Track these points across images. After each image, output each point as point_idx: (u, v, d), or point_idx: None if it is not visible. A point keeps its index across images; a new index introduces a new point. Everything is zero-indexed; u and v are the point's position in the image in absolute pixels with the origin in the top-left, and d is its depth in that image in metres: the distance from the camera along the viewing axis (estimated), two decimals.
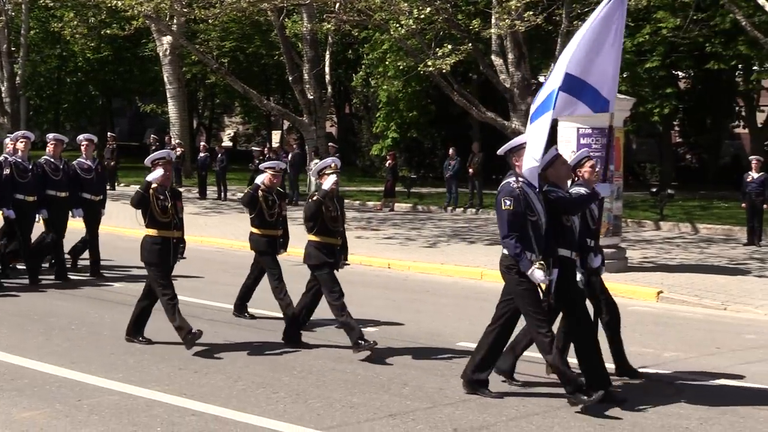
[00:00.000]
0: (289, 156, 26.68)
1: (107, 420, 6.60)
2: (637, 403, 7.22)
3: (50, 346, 8.73)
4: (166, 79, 25.58)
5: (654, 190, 24.17)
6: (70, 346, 8.79)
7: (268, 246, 9.90)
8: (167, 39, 24.51)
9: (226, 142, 50.50)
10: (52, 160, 12.71)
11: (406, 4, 18.74)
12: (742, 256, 16.48)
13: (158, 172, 8.73)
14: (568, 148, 14.01)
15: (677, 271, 14.41)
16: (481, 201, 24.31)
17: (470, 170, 24.18)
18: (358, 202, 26.20)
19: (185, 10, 21.38)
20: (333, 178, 8.85)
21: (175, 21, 23.88)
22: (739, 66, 28.45)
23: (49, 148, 12.86)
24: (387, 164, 26.02)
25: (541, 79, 27.79)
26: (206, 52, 29.43)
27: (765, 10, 17.90)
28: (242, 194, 9.88)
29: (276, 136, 45.53)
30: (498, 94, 23.87)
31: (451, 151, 25.09)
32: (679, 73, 31.62)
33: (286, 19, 24.54)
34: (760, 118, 32.96)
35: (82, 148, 13.28)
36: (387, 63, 29.90)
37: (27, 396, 7.15)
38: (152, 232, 8.74)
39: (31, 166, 12.41)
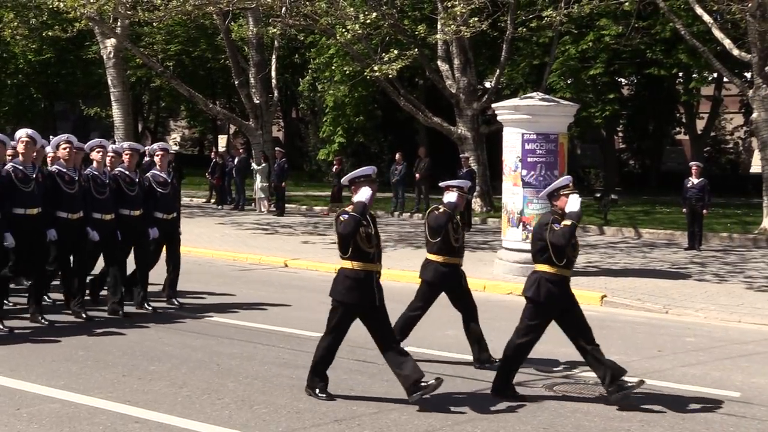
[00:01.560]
0: (236, 160, 26.57)
1: (48, 428, 6.48)
2: (580, 406, 7.31)
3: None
4: (110, 82, 25.25)
5: (598, 195, 24.47)
6: (8, 353, 8.62)
7: (445, 277, 8.72)
8: (111, 41, 24.19)
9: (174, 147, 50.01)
10: (127, 172, 10.92)
11: (352, 9, 18.78)
12: (684, 261, 16.78)
13: (366, 192, 7.33)
14: (513, 154, 14.14)
15: (621, 276, 14.61)
16: (428, 206, 24.38)
17: (417, 175, 24.26)
18: (305, 207, 26.14)
19: (129, 12, 21.13)
20: (575, 197, 7.59)
21: (119, 23, 23.58)
22: (680, 74, 29.01)
23: (125, 158, 11.04)
24: (334, 169, 25.99)
25: (487, 84, 28.06)
26: (151, 55, 29.12)
27: (703, 20, 18.28)
28: (433, 215, 8.65)
29: (222, 141, 45.21)
30: (444, 100, 24.05)
31: (397, 156, 25.14)
32: (622, 80, 32.15)
33: (232, 23, 24.39)
34: (700, 125, 33.68)
35: (157, 158, 11.41)
36: (333, 68, 29.92)
37: None
38: (353, 264, 7.38)
39: (108, 180, 10.61)
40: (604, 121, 30.19)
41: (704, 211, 18.36)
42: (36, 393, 7.34)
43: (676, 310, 11.99)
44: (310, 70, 32.92)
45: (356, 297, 7.36)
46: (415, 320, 8.71)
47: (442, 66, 21.54)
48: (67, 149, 10.34)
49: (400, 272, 14.54)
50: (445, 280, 8.68)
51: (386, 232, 20.62)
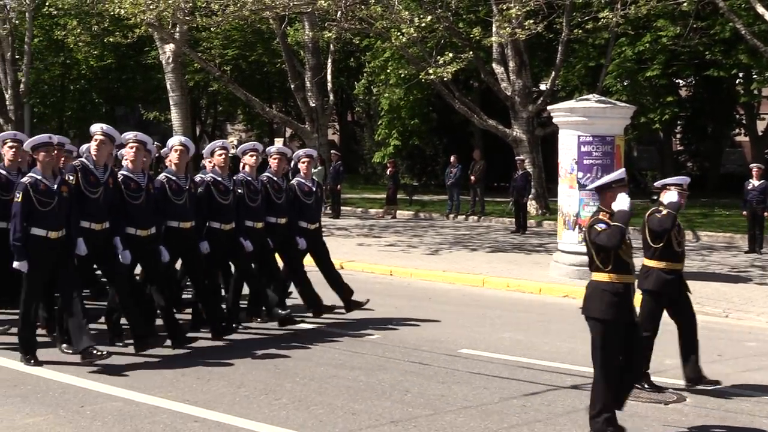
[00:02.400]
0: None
1: (110, 426, 6.64)
2: (638, 410, 7.26)
3: (55, 351, 8.75)
4: (169, 87, 25.64)
5: (655, 197, 24.15)
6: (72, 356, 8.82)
7: (668, 285, 7.97)
8: (170, 47, 24.59)
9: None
10: (275, 178, 10.27)
11: (407, 13, 18.81)
12: (743, 264, 16.51)
13: (626, 200, 6.64)
14: (569, 156, 14.08)
15: None
16: (483, 208, 24.34)
17: (472, 178, 24.23)
18: (360, 209, 26.27)
19: (188, 18, 21.47)
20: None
21: (177, 29, 23.96)
22: (740, 75, 28.52)
23: (273, 162, 10.36)
24: (388, 172, 26.09)
25: (542, 87, 27.90)
26: (209, 59, 29.52)
27: (764, 19, 17.96)
28: (655, 217, 7.86)
29: (278, 144, 45.55)
30: (499, 102, 23.98)
31: (452, 158, 25.14)
32: (680, 81, 31.70)
33: (288, 27, 24.64)
34: (761, 126, 33.04)
35: (303, 165, 10.67)
36: (389, 71, 30.00)
37: (30, 402, 7.19)
38: (611, 277, 6.72)
39: (260, 186, 10.04)
40: (663, 126, 29.81)
41: (765, 213, 18.05)
42: (99, 391, 7.52)
43: (736, 314, 11.81)
44: (365, 74, 33.05)
45: (616, 313, 6.66)
46: (649, 343, 7.90)
47: (497, 68, 21.50)
48: (223, 155, 9.66)
49: (455, 274, 14.54)
50: (667, 288, 7.97)
51: (442, 234, 20.63)
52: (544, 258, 16.18)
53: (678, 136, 36.04)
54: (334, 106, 30.54)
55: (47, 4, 29.84)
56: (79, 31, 26.56)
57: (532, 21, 18.12)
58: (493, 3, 20.95)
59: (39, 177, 8.19)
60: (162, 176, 9.22)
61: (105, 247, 8.58)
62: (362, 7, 18.88)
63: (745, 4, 21.80)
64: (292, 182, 10.66)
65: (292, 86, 26.26)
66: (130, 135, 9.15)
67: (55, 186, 8.23)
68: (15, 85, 33.44)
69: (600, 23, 19.22)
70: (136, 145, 8.90)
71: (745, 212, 18.42)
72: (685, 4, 20.18)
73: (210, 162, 10.06)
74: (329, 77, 26.65)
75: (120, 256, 8.58)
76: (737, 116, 33.95)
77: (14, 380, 7.80)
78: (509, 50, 20.63)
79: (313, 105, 26.14)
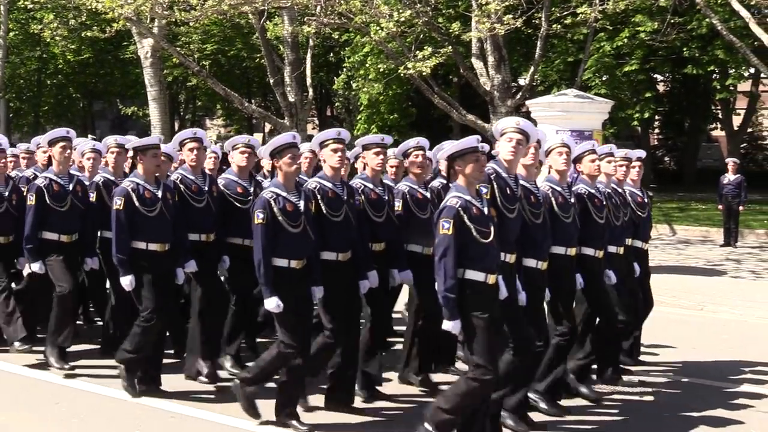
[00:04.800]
0: None
1: (87, 422, 6.62)
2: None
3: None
4: (147, 82, 25.50)
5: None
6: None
7: None
8: (148, 41, 24.48)
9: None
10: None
11: (386, 7, 18.84)
12: (719, 258, 16.68)
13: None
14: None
15: (655, 272, 14.46)
16: None
17: None
18: None
19: (166, 12, 21.38)
20: None
21: (155, 23, 23.85)
22: (716, 70, 28.76)
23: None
24: None
25: (522, 81, 27.98)
26: (187, 54, 29.42)
27: (740, 15, 18.12)
28: None
29: (258, 139, 45.48)
30: (478, 97, 24.03)
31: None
32: (658, 77, 31.91)
33: (267, 22, 24.58)
34: (736, 121, 33.35)
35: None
36: (368, 66, 30.00)
37: (4, 400, 7.15)
38: None
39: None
40: (641, 123, 30.02)
41: (740, 207, 18.23)
42: (75, 387, 7.51)
43: (711, 307, 11.95)
44: (344, 69, 33.05)
45: None
46: None
47: (477, 63, 21.54)
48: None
49: None
50: None
51: None
52: None
53: (656, 131, 36.31)
54: (313, 101, 30.52)
55: None
56: (56, 25, 26.35)
57: (511, 16, 18.17)
58: None
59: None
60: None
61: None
62: (341, 1, 18.88)
63: (721, 0, 21.96)
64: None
65: (271, 81, 26.19)
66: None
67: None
68: None
69: (578, 18, 19.30)
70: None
71: (720, 206, 18.60)
72: None
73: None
74: (308, 72, 26.60)
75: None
76: (714, 111, 34.25)
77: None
78: (488, 45, 20.65)
79: (293, 100, 26.11)
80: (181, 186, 7.66)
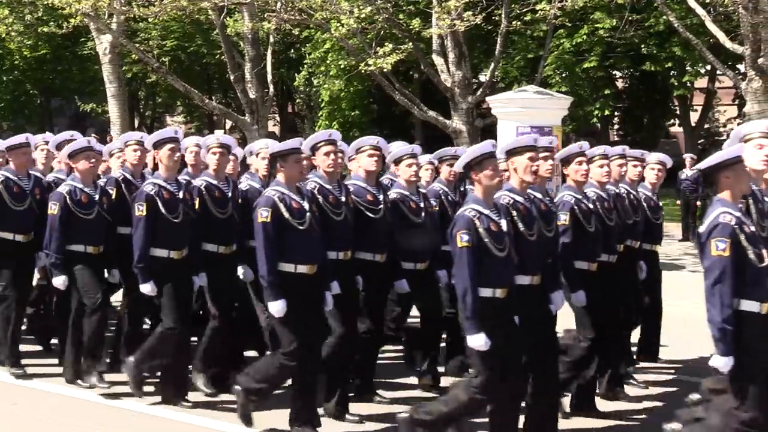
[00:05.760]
0: None
1: (45, 421, 6.55)
2: None
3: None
4: (106, 79, 25.24)
5: None
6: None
7: None
8: (107, 37, 24.22)
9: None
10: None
11: (347, 4, 18.83)
12: (677, 252, 16.89)
13: None
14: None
15: None
16: None
17: None
18: None
19: (124, 8, 21.18)
20: None
21: (114, 19, 23.60)
22: (674, 67, 29.11)
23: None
24: None
25: (482, 78, 28.10)
26: (147, 51, 29.13)
27: (696, 12, 18.35)
28: None
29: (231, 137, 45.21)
30: (439, 94, 24.09)
31: None
32: (617, 73, 32.23)
33: (227, 18, 24.42)
34: (694, 117, 33.80)
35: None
36: (329, 62, 29.95)
37: None
38: None
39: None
40: (601, 119, 30.32)
41: (698, 202, 18.47)
42: (34, 388, 7.42)
43: (670, 302, 12.06)
44: (305, 65, 32.95)
45: None
46: None
47: (437, 60, 21.59)
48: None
49: None
50: None
51: None
52: None
53: (615, 127, 36.66)
54: (274, 97, 30.40)
55: None
56: (11, 20, 26.00)
57: (471, 13, 18.26)
58: None
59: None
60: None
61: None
62: None
63: None
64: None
65: (232, 78, 26.06)
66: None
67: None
68: None
69: (538, 15, 19.44)
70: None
71: (678, 201, 18.83)
72: None
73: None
74: (269, 69, 26.49)
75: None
76: (672, 108, 34.65)
77: None
78: (449, 42, 20.71)
79: (253, 97, 26.00)
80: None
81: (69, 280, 7.39)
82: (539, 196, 6.45)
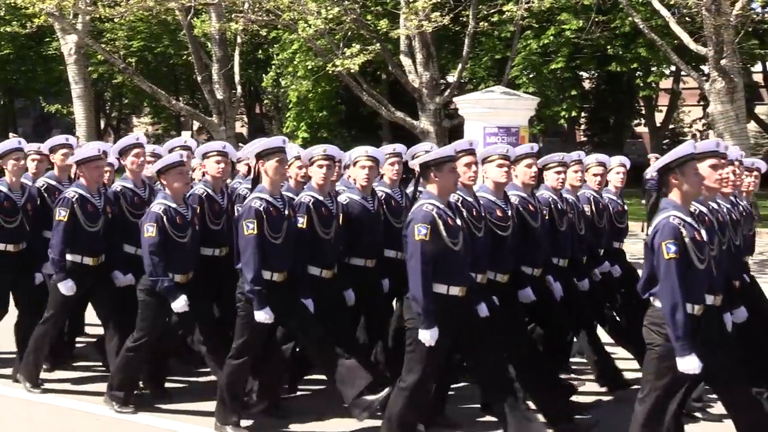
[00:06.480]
0: None
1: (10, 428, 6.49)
2: None
3: None
4: (71, 79, 25.02)
5: None
6: None
7: None
8: (72, 38, 24.01)
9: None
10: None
11: (314, 4, 18.82)
12: (642, 252, 17.03)
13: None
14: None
15: None
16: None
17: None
18: None
19: (90, 8, 21.02)
20: None
21: (79, 19, 23.41)
22: (639, 68, 29.43)
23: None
24: None
25: (450, 78, 28.22)
26: (113, 51, 28.95)
27: (661, 14, 18.57)
28: None
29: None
30: (407, 94, 24.15)
31: None
32: (583, 74, 32.52)
33: (195, 19, 24.32)
34: (659, 117, 34.19)
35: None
36: (296, 63, 29.94)
37: None
38: None
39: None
40: (568, 120, 30.58)
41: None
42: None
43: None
44: (273, 66, 32.91)
45: None
46: None
47: (405, 61, 21.65)
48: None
49: None
50: None
51: None
52: None
53: (582, 127, 36.98)
54: (242, 98, 30.30)
55: None
56: None
57: (438, 13, 18.32)
58: None
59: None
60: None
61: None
62: None
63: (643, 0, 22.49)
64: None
65: (199, 78, 25.95)
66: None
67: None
68: None
69: (505, 16, 19.56)
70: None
71: (644, 201, 19.03)
72: None
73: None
74: (237, 69, 26.42)
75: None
76: (638, 108, 35.03)
77: None
78: (416, 43, 20.78)
79: (221, 97, 25.91)
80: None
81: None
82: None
